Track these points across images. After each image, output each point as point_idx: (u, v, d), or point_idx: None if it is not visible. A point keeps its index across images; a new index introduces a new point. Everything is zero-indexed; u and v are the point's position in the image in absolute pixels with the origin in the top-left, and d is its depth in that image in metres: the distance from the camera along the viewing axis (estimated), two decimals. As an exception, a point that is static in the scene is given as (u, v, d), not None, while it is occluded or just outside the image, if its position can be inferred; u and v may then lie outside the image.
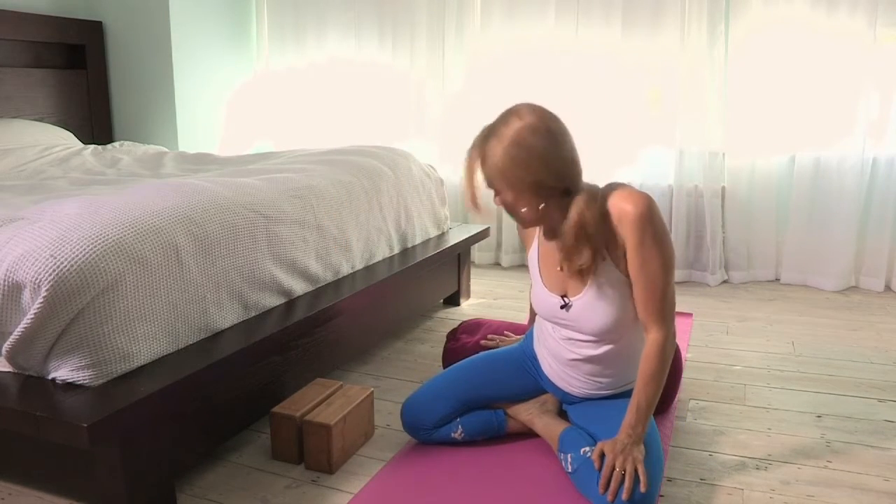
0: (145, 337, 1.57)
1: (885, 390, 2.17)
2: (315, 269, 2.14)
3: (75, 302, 1.44)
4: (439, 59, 3.85)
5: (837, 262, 3.29)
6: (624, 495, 1.42)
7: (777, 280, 3.48)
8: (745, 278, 3.48)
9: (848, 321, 2.85)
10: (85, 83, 3.85)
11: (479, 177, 1.48)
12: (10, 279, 1.46)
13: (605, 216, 1.48)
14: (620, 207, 1.45)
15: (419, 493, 1.63)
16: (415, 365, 2.43)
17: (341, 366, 2.36)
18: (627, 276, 1.51)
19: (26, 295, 1.45)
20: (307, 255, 2.10)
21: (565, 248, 1.48)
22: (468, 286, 3.21)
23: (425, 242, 2.83)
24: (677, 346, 1.97)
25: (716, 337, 2.68)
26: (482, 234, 3.15)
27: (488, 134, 1.45)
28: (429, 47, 3.86)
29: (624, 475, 1.44)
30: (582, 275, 1.53)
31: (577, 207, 1.45)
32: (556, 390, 1.78)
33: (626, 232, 1.45)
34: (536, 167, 1.41)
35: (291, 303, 2.02)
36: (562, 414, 1.82)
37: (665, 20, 3.38)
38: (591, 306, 1.55)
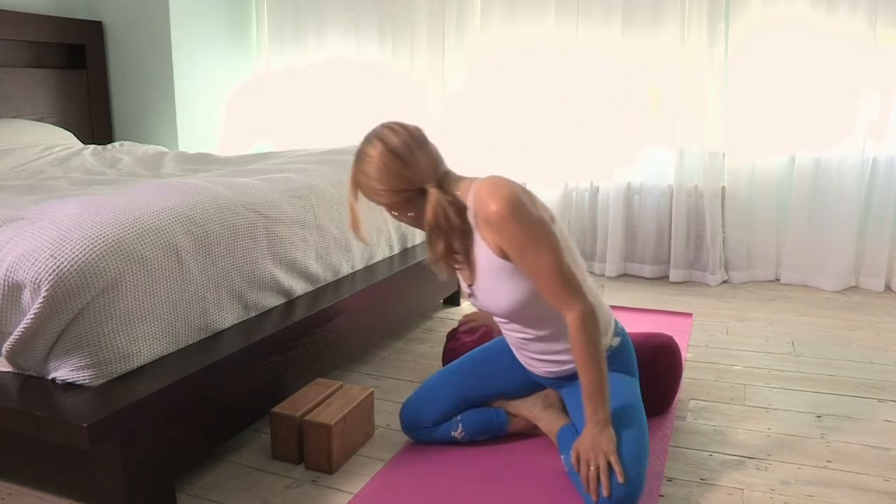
0: (145, 337, 1.57)
1: (885, 390, 2.17)
2: (315, 269, 2.14)
3: (75, 302, 1.44)
4: (439, 59, 3.85)
5: (837, 262, 3.29)
6: (604, 492, 1.43)
7: (777, 280, 3.48)
8: (745, 278, 3.48)
9: (848, 321, 2.85)
10: (85, 83, 3.85)
11: (362, 202, 1.59)
12: (10, 279, 1.46)
13: (462, 210, 1.52)
14: (484, 208, 1.45)
15: (419, 493, 1.63)
16: (415, 365, 2.43)
17: (341, 366, 2.36)
18: (507, 259, 1.50)
19: (26, 295, 1.45)
20: (307, 255, 2.10)
21: (426, 239, 1.54)
22: (468, 286, 3.21)
23: (425, 242, 2.83)
24: (677, 346, 1.99)
25: (716, 337, 2.68)
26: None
27: (354, 161, 1.55)
28: (429, 47, 3.86)
29: (600, 473, 1.45)
30: (466, 264, 1.58)
31: (430, 204, 1.49)
32: (535, 376, 1.78)
33: (495, 233, 1.46)
34: (387, 179, 1.48)
35: (291, 303, 2.02)
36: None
37: (665, 20, 3.38)
38: (487, 291, 1.57)
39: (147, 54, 3.83)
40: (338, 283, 2.22)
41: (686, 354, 2.48)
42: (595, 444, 1.47)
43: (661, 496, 1.61)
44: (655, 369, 1.93)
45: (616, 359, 1.67)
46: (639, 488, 1.45)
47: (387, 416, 2.03)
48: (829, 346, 2.55)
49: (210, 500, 1.63)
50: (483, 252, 1.53)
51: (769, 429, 1.93)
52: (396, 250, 2.67)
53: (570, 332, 1.48)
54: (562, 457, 1.65)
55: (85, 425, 1.30)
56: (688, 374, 2.30)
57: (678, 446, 1.83)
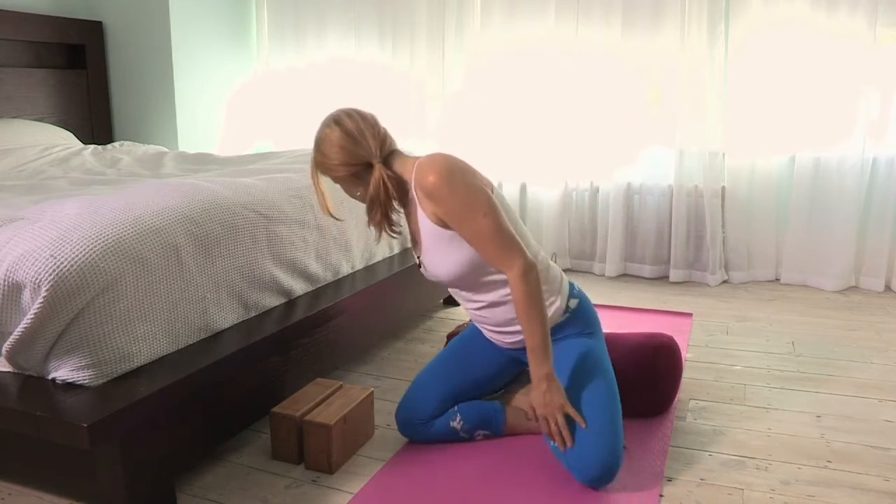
0: (145, 337, 1.57)
1: (885, 390, 2.17)
2: (315, 269, 2.14)
3: (75, 302, 1.44)
4: (439, 59, 3.85)
5: (837, 262, 3.29)
6: (568, 444, 1.55)
7: (777, 280, 3.48)
8: (745, 278, 3.48)
9: (848, 321, 2.85)
10: (85, 83, 3.85)
11: (324, 184, 1.70)
12: (10, 279, 1.46)
13: (403, 184, 1.64)
14: (423, 180, 1.55)
15: (419, 493, 1.63)
16: (415, 365, 2.43)
17: (341, 366, 2.36)
18: (447, 227, 1.57)
19: (26, 295, 1.45)
20: (307, 255, 2.10)
21: (366, 210, 1.64)
22: (468, 286, 3.21)
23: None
24: (677, 346, 1.99)
25: (716, 337, 2.68)
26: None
27: (315, 144, 1.67)
28: (429, 47, 3.86)
29: (560, 429, 1.55)
30: (413, 225, 1.67)
31: (372, 177, 1.60)
32: (507, 350, 1.84)
33: (433, 202, 1.55)
34: (340, 155, 1.60)
35: (291, 303, 2.02)
36: None
37: (665, 20, 3.38)
38: (433, 260, 1.65)
39: (147, 54, 3.83)
40: (338, 283, 2.22)
41: (686, 354, 2.48)
42: (546, 400, 1.54)
43: (661, 496, 1.61)
44: (655, 369, 1.93)
45: (575, 319, 1.73)
46: (615, 438, 1.55)
47: (387, 416, 2.03)
48: (829, 346, 2.55)
49: (210, 500, 1.63)
50: (424, 223, 1.61)
51: (769, 429, 1.92)
52: (396, 250, 2.67)
53: (512, 289, 1.53)
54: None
55: (85, 425, 1.30)
56: (688, 374, 2.30)
57: (678, 446, 1.83)
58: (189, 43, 3.86)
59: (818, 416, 2.00)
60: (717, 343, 2.62)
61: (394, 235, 1.68)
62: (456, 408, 1.83)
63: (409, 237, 1.82)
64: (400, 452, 1.82)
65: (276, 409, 1.78)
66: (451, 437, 1.83)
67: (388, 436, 1.92)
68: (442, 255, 1.62)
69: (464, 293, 1.71)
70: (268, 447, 1.85)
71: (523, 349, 1.76)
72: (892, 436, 1.87)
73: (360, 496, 1.62)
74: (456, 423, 1.82)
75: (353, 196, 1.71)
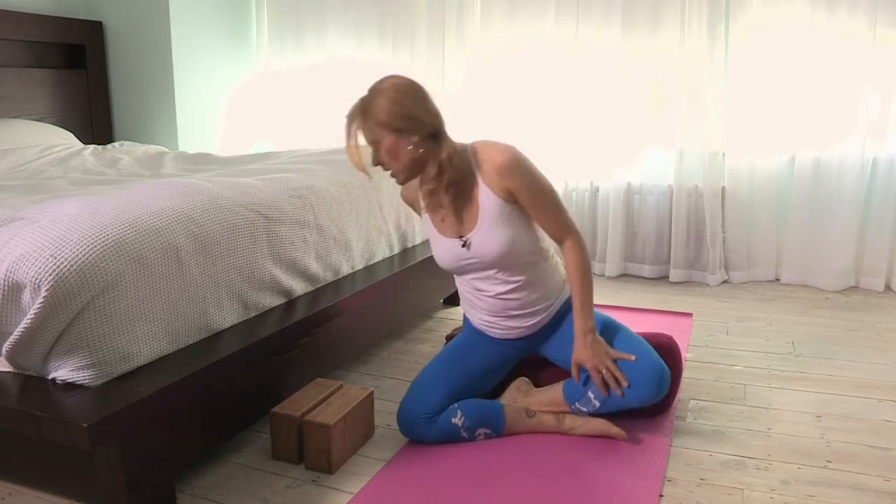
0: (145, 337, 1.57)
1: (885, 390, 2.17)
2: (315, 269, 2.14)
3: (75, 302, 1.44)
4: (439, 59, 3.85)
5: (837, 262, 3.29)
6: (623, 383, 1.70)
7: (777, 280, 3.48)
8: (745, 278, 3.48)
9: (848, 321, 2.85)
10: (85, 83, 3.85)
11: (360, 140, 1.69)
12: (10, 279, 1.46)
13: (468, 163, 1.73)
14: (493, 159, 1.69)
15: (419, 493, 1.63)
16: (415, 365, 2.43)
17: (341, 366, 2.36)
18: (512, 204, 1.72)
19: (26, 295, 1.45)
20: (307, 255, 2.10)
21: (423, 180, 1.70)
22: (468, 286, 3.21)
23: (425, 242, 2.83)
24: (677, 346, 1.99)
25: (716, 337, 2.68)
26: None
27: (365, 97, 1.66)
28: (429, 47, 3.86)
29: (614, 377, 1.71)
30: (472, 207, 1.73)
31: (446, 150, 1.68)
32: (515, 343, 1.90)
33: (506, 178, 1.69)
34: (413, 105, 1.63)
35: (291, 303, 2.02)
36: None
37: (665, 20, 3.38)
38: (487, 236, 1.73)
39: (147, 54, 3.82)
40: (338, 283, 2.22)
41: (686, 354, 2.48)
42: (594, 350, 1.72)
43: (661, 496, 1.61)
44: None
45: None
46: (654, 353, 1.71)
47: (387, 416, 2.03)
48: (829, 346, 2.55)
49: (210, 500, 1.63)
50: (489, 199, 1.71)
51: (769, 429, 1.92)
52: (396, 250, 2.67)
53: (571, 254, 1.76)
54: (583, 400, 1.80)
55: (85, 425, 1.30)
56: (688, 374, 2.29)
57: (678, 446, 1.83)
58: (189, 43, 3.86)
59: (818, 416, 2.00)
60: (717, 343, 2.62)
61: (440, 213, 1.76)
62: (456, 405, 1.84)
63: (438, 222, 1.83)
64: (400, 452, 1.82)
65: (276, 409, 1.78)
66: (453, 436, 1.83)
67: (388, 436, 1.92)
68: (497, 232, 1.72)
69: (500, 274, 1.77)
70: (268, 447, 1.85)
71: (529, 337, 1.87)
72: (892, 436, 1.87)
73: (360, 496, 1.62)
74: (457, 420, 1.82)
75: (380, 161, 1.69)
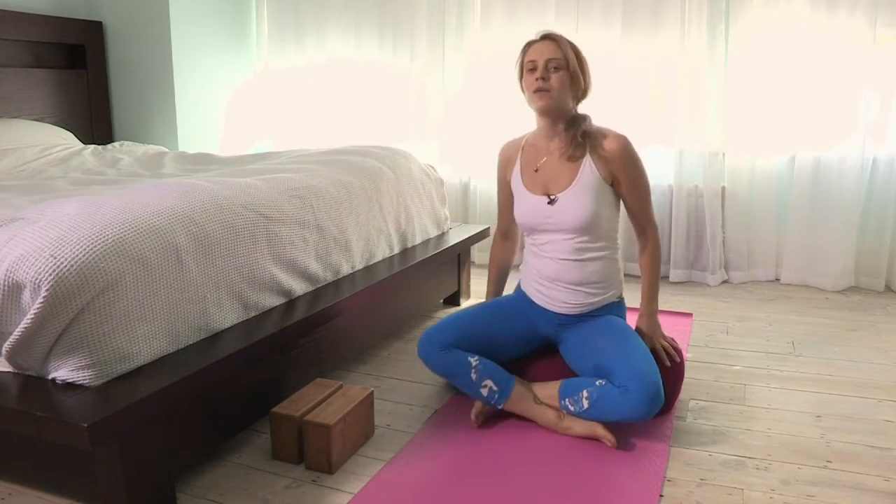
0: (145, 337, 1.57)
1: (885, 390, 2.17)
2: (315, 269, 2.14)
3: (75, 302, 1.44)
4: (439, 59, 3.85)
5: (837, 262, 3.29)
6: (667, 363, 1.93)
7: (777, 280, 3.48)
8: (745, 278, 3.48)
9: (848, 321, 2.85)
10: (85, 83, 3.85)
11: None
12: (10, 279, 1.46)
13: (589, 136, 1.92)
14: (609, 143, 1.89)
15: (419, 493, 1.63)
16: (415, 365, 2.43)
17: (341, 366, 2.36)
18: (609, 183, 1.90)
19: (26, 295, 1.45)
20: (307, 255, 2.10)
21: (568, 140, 1.91)
22: (468, 286, 3.21)
23: (425, 242, 2.83)
24: (677, 347, 2.00)
25: (716, 337, 2.68)
26: (482, 234, 3.15)
27: (547, 32, 1.91)
28: (429, 47, 3.86)
29: (667, 352, 1.95)
30: (571, 170, 1.90)
31: (585, 120, 1.94)
32: (552, 319, 1.98)
33: (617, 163, 1.89)
34: (586, 64, 1.93)
35: (291, 303, 2.02)
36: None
37: (665, 20, 3.38)
38: (576, 198, 1.88)
39: (147, 54, 3.83)
40: (338, 283, 2.22)
41: (686, 354, 2.48)
42: (655, 330, 1.98)
43: (661, 496, 1.61)
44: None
45: (620, 306, 2.03)
46: (654, 385, 1.74)
47: (387, 416, 2.03)
48: (829, 346, 2.55)
49: (210, 500, 1.63)
50: (590, 171, 1.89)
51: (769, 429, 1.93)
52: (396, 250, 2.67)
53: (650, 243, 2.01)
54: (576, 396, 1.83)
55: (85, 425, 1.30)
56: (688, 374, 2.29)
57: (678, 446, 1.84)
58: (189, 43, 3.86)
59: (818, 416, 2.00)
60: (717, 343, 2.62)
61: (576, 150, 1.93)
62: (476, 355, 1.91)
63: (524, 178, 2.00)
64: (400, 452, 1.82)
65: (276, 409, 1.78)
66: (462, 372, 1.88)
67: (388, 436, 1.92)
68: (586, 198, 1.88)
69: (572, 241, 1.90)
70: (268, 447, 1.85)
71: (570, 315, 1.96)
72: (892, 436, 1.87)
73: (360, 496, 1.62)
74: (473, 360, 1.88)
75: (543, 76, 1.85)
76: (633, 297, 2.19)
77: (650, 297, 2.01)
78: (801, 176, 3.32)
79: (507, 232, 2.20)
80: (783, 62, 3.25)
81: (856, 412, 2.02)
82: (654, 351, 1.93)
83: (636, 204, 1.96)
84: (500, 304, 2.08)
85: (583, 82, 1.91)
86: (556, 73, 1.85)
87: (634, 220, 2.00)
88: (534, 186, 1.95)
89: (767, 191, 3.40)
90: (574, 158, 1.90)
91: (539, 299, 1.99)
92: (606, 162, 1.89)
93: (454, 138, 3.86)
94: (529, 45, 1.92)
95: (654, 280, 2.02)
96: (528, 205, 1.96)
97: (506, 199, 2.13)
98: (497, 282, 2.22)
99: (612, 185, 1.91)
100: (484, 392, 1.88)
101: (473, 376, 1.88)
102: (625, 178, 1.91)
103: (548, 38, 1.89)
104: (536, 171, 1.95)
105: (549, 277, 1.95)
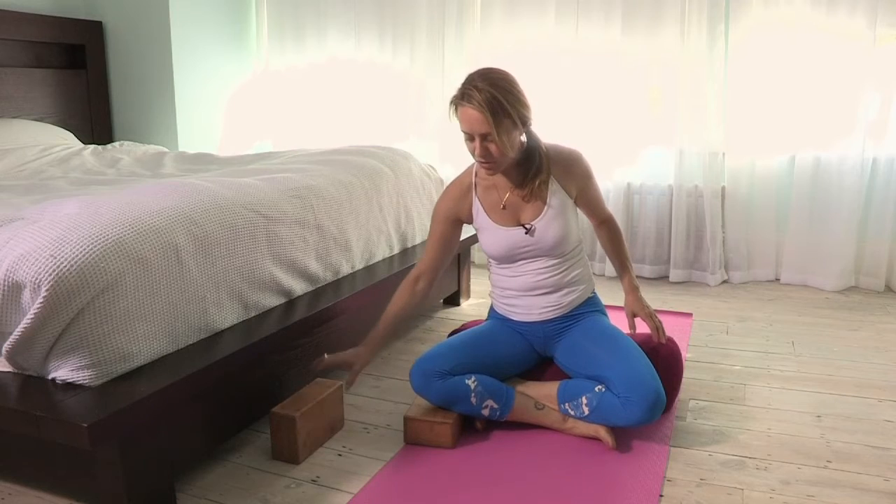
0: (145, 337, 1.57)
1: (885, 390, 2.17)
2: (315, 269, 2.14)
3: (75, 302, 1.44)
4: (439, 60, 3.85)
5: (837, 262, 3.29)
6: (663, 339, 1.95)
7: (777, 280, 3.48)
8: (745, 278, 3.48)
9: (848, 321, 2.85)
10: (85, 83, 3.85)
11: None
12: (10, 279, 1.46)
13: (544, 157, 1.94)
14: (567, 154, 1.97)
15: (419, 494, 1.63)
16: (415, 365, 2.42)
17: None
18: (571, 197, 1.95)
19: (26, 295, 1.45)
20: (307, 255, 2.10)
21: (528, 189, 1.90)
22: (468, 286, 3.21)
23: (425, 242, 2.83)
24: (677, 346, 2.00)
25: (716, 337, 2.68)
26: (482, 234, 3.15)
27: (467, 87, 1.86)
28: (429, 47, 3.86)
29: (657, 327, 1.97)
30: (537, 198, 1.91)
31: (537, 139, 1.95)
32: (537, 333, 1.96)
33: (579, 177, 1.96)
34: (517, 95, 1.87)
35: (291, 303, 2.02)
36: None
37: (665, 20, 3.37)
38: (551, 223, 1.90)
39: (147, 54, 3.82)
40: (338, 283, 2.22)
41: (686, 354, 2.48)
42: (643, 305, 2.00)
43: (661, 496, 1.61)
44: (655, 369, 1.92)
45: (595, 301, 2.03)
46: (655, 390, 1.72)
47: (386, 416, 2.03)
48: (829, 346, 2.55)
49: (210, 500, 1.63)
50: (560, 194, 1.92)
51: (769, 429, 1.92)
52: (396, 250, 2.67)
53: (611, 225, 2.07)
54: (575, 401, 1.82)
55: (85, 425, 1.30)
56: (688, 374, 2.29)
57: (678, 446, 1.84)
58: (189, 43, 3.86)
59: (818, 416, 2.00)
60: (717, 343, 2.62)
61: (516, 198, 1.93)
62: (472, 375, 1.85)
63: (491, 213, 1.96)
64: (400, 452, 1.82)
65: (276, 409, 1.78)
66: (462, 396, 1.82)
67: (388, 436, 1.92)
68: (559, 221, 1.90)
69: (548, 259, 1.92)
70: (268, 447, 1.85)
71: (555, 320, 1.94)
72: (892, 436, 1.87)
73: (360, 496, 1.62)
74: (471, 382, 1.83)
75: (493, 144, 1.79)
76: (609, 296, 2.21)
77: (623, 270, 2.06)
78: (801, 176, 3.32)
79: (424, 274, 2.03)
80: (783, 62, 3.25)
81: (856, 412, 2.02)
82: (650, 318, 1.97)
83: (596, 202, 2.03)
84: (487, 329, 2.01)
85: (519, 122, 1.83)
86: (493, 143, 1.78)
87: (593, 217, 2.06)
88: (504, 220, 1.92)
89: (767, 191, 3.40)
90: (534, 191, 1.91)
91: (517, 315, 1.97)
92: (567, 182, 1.94)
93: (454, 138, 3.84)
94: (457, 105, 1.85)
95: (621, 251, 2.07)
96: (501, 238, 1.91)
97: (441, 237, 2.01)
98: (392, 324, 2.01)
99: (573, 197, 1.96)
100: (486, 413, 1.86)
101: (473, 400, 1.84)
102: (585, 188, 1.97)
103: (471, 105, 1.80)
104: (504, 209, 1.91)
105: (525, 289, 1.94)
